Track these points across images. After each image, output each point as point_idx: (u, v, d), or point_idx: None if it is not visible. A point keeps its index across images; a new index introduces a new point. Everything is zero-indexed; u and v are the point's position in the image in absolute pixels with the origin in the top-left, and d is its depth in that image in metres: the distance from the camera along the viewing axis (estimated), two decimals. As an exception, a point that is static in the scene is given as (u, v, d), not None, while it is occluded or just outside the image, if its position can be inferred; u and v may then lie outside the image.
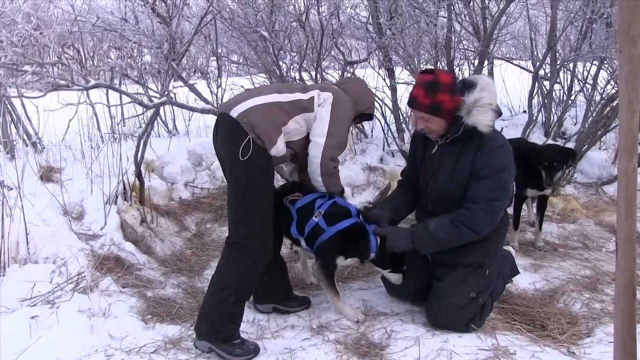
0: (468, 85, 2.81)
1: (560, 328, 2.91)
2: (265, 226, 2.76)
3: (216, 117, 2.91)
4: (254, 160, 2.64)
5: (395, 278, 3.11)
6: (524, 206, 4.39)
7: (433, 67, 4.80)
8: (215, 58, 5.29)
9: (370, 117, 3.27)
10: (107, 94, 5.47)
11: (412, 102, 2.84)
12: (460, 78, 3.00)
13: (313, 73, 5.04)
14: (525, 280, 3.52)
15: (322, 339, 2.87)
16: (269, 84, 5.29)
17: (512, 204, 4.14)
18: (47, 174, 4.28)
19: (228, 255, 2.77)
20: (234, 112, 2.68)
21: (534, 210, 4.65)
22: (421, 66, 5.40)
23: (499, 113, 2.85)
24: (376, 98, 5.84)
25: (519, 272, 3.41)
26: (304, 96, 2.84)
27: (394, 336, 2.87)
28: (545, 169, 3.85)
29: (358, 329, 2.96)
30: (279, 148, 2.72)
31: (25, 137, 4.96)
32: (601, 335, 2.84)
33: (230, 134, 2.69)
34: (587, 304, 3.22)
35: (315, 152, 2.81)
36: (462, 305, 2.89)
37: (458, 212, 2.81)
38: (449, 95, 2.75)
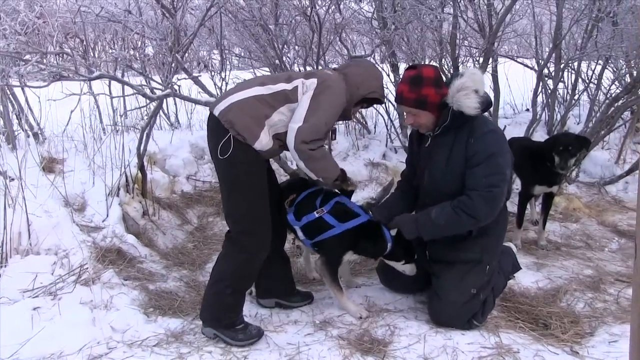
0: (455, 77, 2.85)
1: (563, 327, 2.91)
2: (257, 221, 2.73)
3: None
4: (237, 157, 2.64)
5: (409, 269, 3.08)
6: (527, 205, 4.38)
7: (416, 64, 4.77)
8: (218, 51, 5.25)
9: (378, 101, 3.08)
10: (109, 86, 5.43)
11: (398, 99, 2.90)
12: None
13: (315, 67, 5.00)
14: (528, 279, 3.51)
15: (325, 334, 2.86)
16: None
17: (518, 201, 4.16)
18: (49, 165, 4.26)
19: (226, 248, 2.81)
20: (216, 111, 2.68)
21: (537, 209, 4.66)
22: (425, 63, 5.38)
23: (487, 101, 2.86)
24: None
25: (520, 268, 3.40)
26: (288, 86, 2.75)
27: (397, 333, 2.86)
28: (559, 154, 3.82)
29: (361, 325, 2.95)
30: (262, 142, 2.67)
31: (27, 128, 4.94)
32: (604, 335, 2.84)
33: (214, 133, 2.71)
34: (590, 303, 3.21)
35: (289, 139, 2.68)
36: (463, 302, 2.88)
37: (459, 199, 2.79)
38: (433, 88, 2.79)
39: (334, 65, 5.98)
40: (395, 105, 5.67)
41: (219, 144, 2.63)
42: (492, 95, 6.01)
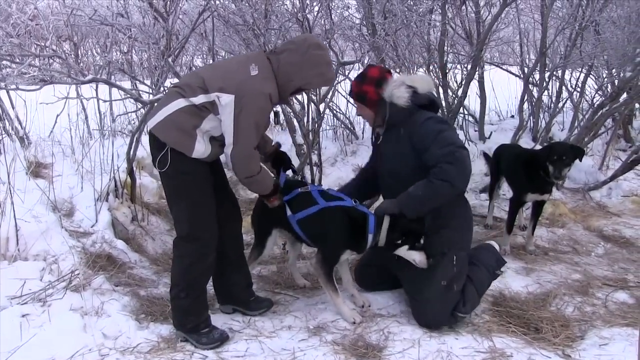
0: None
1: (554, 331, 2.95)
2: (199, 227, 2.79)
3: None
4: (177, 168, 2.71)
5: (418, 258, 2.94)
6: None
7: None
8: (210, 55, 5.23)
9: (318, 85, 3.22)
10: (96, 90, 5.36)
11: (350, 91, 3.17)
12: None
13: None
14: (518, 284, 3.55)
15: (319, 340, 2.85)
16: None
17: (509, 208, 4.21)
18: (36, 170, 4.18)
19: (174, 253, 2.91)
20: (150, 126, 2.74)
21: (524, 214, 4.72)
22: (414, 69, 5.43)
23: (427, 99, 3.02)
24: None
25: (505, 262, 3.35)
26: (205, 99, 2.66)
27: (392, 338, 2.87)
28: (554, 163, 3.86)
29: (355, 330, 2.95)
30: (200, 151, 2.70)
31: (12, 132, 4.85)
32: (594, 338, 2.88)
33: (153, 146, 2.77)
34: (579, 307, 3.26)
35: (229, 162, 2.73)
36: (437, 297, 2.94)
37: (430, 172, 2.86)
38: (373, 87, 3.00)
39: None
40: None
41: (158, 156, 2.70)
42: (478, 102, 6.15)
